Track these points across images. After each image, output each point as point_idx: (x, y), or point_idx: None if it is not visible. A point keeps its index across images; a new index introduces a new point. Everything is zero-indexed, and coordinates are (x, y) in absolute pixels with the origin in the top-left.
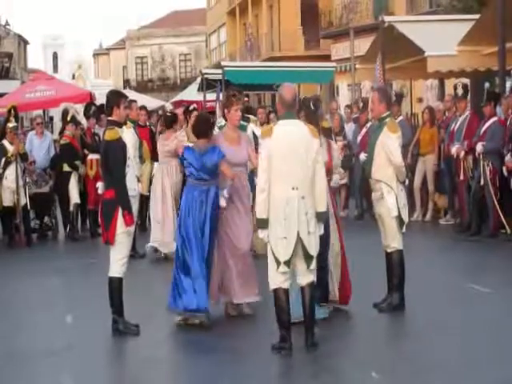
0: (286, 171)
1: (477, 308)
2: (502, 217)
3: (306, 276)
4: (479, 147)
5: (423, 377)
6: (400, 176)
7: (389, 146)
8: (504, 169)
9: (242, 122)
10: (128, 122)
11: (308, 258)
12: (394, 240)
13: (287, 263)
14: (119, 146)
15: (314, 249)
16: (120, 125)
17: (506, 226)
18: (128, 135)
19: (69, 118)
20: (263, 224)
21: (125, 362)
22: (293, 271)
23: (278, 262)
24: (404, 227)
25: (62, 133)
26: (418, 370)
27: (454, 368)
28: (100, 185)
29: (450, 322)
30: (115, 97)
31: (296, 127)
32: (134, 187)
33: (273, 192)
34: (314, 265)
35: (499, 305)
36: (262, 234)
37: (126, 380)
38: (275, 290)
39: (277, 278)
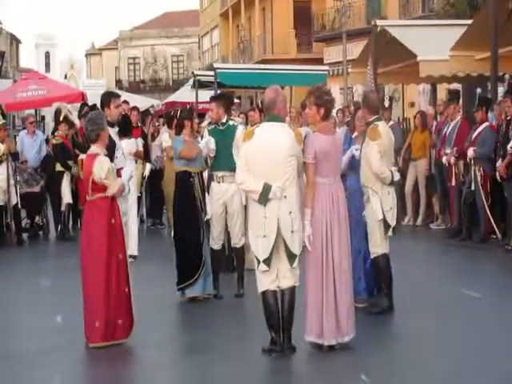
0: (267, 172)
1: (467, 313)
2: (492, 222)
3: (288, 279)
4: (470, 152)
5: (413, 381)
6: (383, 181)
7: (367, 154)
8: (497, 174)
9: (231, 123)
10: None
11: (291, 256)
12: (377, 245)
13: (266, 261)
14: (110, 145)
15: (297, 247)
16: (111, 124)
17: (497, 232)
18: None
19: (61, 118)
20: (266, 190)
21: (116, 363)
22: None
23: (257, 261)
24: (390, 231)
25: (54, 132)
26: (407, 374)
27: (443, 373)
28: None
29: (440, 326)
30: (106, 97)
31: (278, 130)
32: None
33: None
34: (296, 263)
35: (489, 310)
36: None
37: (116, 380)
38: (263, 293)
39: (264, 280)
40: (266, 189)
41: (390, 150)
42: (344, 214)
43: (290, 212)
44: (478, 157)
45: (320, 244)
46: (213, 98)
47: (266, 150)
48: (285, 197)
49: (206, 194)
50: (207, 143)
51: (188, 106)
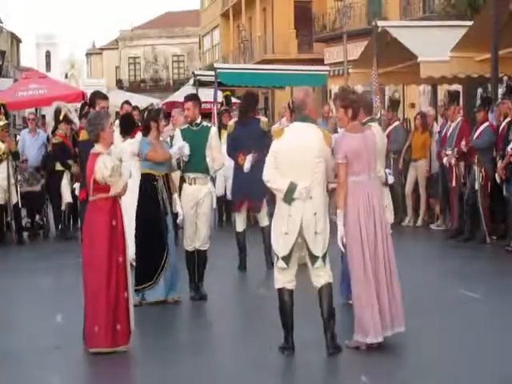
0: (294, 171)
1: (467, 314)
2: (484, 224)
3: (320, 277)
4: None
5: (413, 381)
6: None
7: None
8: (496, 176)
9: (204, 124)
10: None
11: (312, 257)
12: None
13: (285, 259)
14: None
15: (320, 249)
16: None
17: (487, 237)
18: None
19: (61, 117)
20: (291, 190)
21: (114, 362)
22: (297, 271)
23: (276, 257)
24: None
25: (54, 132)
26: (407, 375)
27: (444, 373)
28: (77, 185)
29: (440, 327)
30: (91, 97)
31: (308, 130)
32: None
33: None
34: (319, 263)
35: (489, 311)
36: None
37: (116, 380)
38: (279, 290)
39: (280, 278)
40: (292, 188)
41: (383, 151)
42: (379, 210)
43: (315, 213)
44: (476, 148)
45: (355, 243)
46: (189, 98)
47: (295, 149)
48: (310, 197)
49: (175, 196)
50: (181, 149)
51: (157, 107)
